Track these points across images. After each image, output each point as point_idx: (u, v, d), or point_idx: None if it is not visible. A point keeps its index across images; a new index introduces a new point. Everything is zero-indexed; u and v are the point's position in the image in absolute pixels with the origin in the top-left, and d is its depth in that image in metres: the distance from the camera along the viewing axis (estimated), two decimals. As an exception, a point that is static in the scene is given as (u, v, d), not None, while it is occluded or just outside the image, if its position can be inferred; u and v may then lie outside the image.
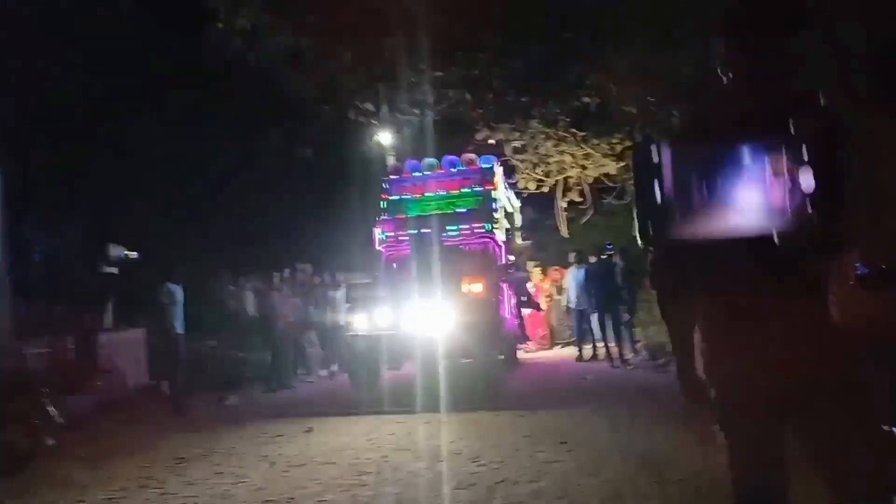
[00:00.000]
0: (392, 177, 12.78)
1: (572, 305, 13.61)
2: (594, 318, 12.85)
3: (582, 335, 13.48)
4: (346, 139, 15.72)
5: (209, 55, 12.84)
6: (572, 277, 13.56)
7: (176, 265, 10.72)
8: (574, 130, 15.00)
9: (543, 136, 14.71)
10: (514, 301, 12.57)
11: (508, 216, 13.34)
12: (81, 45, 13.68)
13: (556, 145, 15.02)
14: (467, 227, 11.67)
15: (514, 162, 15.34)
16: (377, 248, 12.07)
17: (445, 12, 12.43)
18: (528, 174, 15.90)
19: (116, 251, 12.72)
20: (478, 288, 10.35)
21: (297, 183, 18.52)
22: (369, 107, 13.97)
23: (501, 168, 13.01)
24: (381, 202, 12.52)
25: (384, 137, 15.70)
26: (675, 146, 2.38)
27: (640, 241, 2.46)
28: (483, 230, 11.77)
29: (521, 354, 14.60)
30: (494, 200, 12.16)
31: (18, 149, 10.82)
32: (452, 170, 12.47)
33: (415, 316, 9.63)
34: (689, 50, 12.27)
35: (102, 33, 14.49)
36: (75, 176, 15.08)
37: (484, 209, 11.97)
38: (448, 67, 13.15)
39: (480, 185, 12.10)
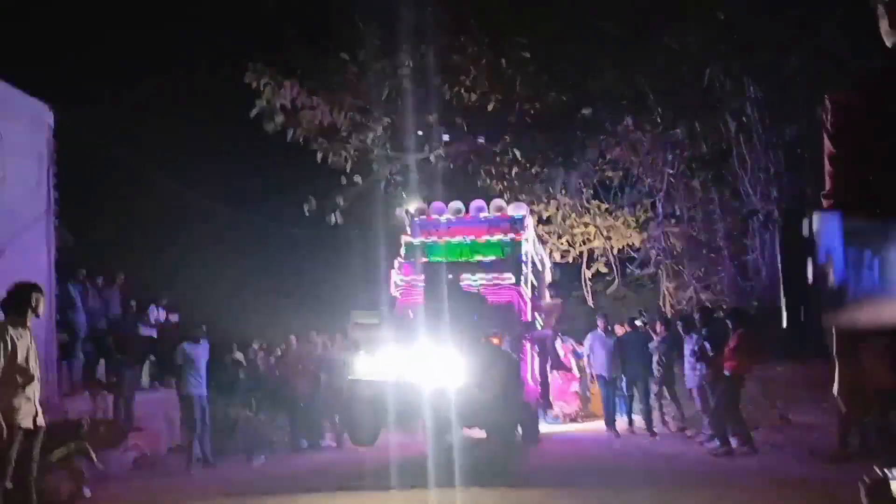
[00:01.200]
0: (416, 219, 11.84)
1: (600, 372, 12.46)
2: (623, 388, 12.29)
3: (613, 406, 12.41)
4: (374, 206, 15.55)
5: (250, 126, 14.09)
6: (600, 344, 12.50)
7: (195, 327, 10.62)
8: (597, 202, 15.54)
9: (567, 206, 15.05)
10: (537, 362, 11.39)
11: (537, 272, 12.31)
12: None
13: (580, 216, 15.20)
14: (491, 277, 10.57)
15: (539, 232, 14.89)
16: (392, 292, 11.02)
17: (470, 90, 14.22)
18: (553, 244, 15.68)
19: (156, 314, 13.15)
20: (496, 343, 9.30)
21: (326, 246, 18.55)
22: (398, 178, 14.85)
23: (533, 219, 12.24)
24: (402, 245, 11.55)
25: (411, 205, 14.40)
26: (845, 217, 2.07)
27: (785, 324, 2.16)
28: (508, 282, 10.64)
29: (547, 427, 13.06)
30: (523, 252, 11.15)
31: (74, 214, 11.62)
32: (480, 216, 11.56)
33: (425, 368, 8.58)
34: (708, 122, 13.47)
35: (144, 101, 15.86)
36: (119, 238, 15.94)
37: (511, 260, 10.90)
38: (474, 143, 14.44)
39: (509, 234, 11.13)
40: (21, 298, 5.78)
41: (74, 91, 12.55)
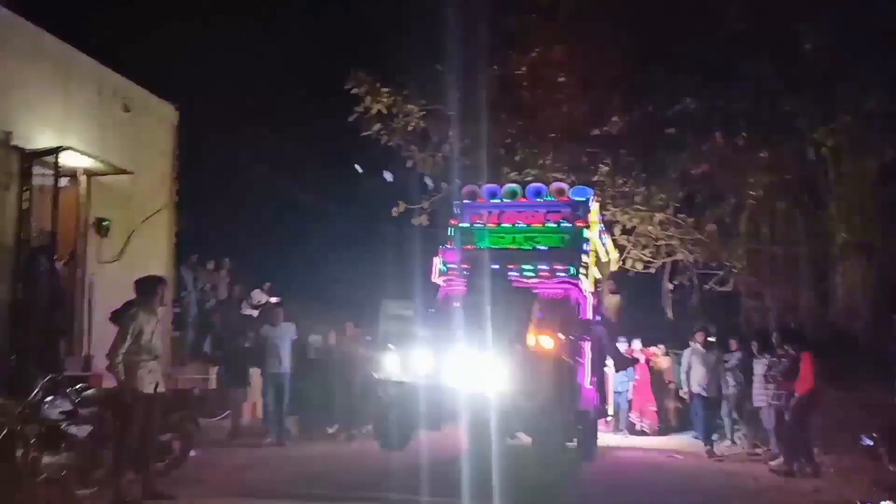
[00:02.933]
0: (465, 201, 10.06)
1: (698, 391, 11.34)
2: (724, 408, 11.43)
3: (711, 426, 11.32)
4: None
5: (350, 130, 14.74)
6: (698, 359, 11.39)
7: (274, 311, 11.11)
8: (683, 216, 14.78)
9: (652, 217, 14.62)
10: (595, 362, 9.53)
11: (600, 264, 10.68)
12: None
13: (664, 228, 14.68)
14: (547, 268, 9.06)
15: (623, 242, 14.34)
16: (434, 279, 9.54)
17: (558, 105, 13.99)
18: (635, 254, 14.91)
19: (259, 296, 13.91)
20: (549, 343, 7.78)
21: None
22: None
23: (598, 204, 10.35)
24: (449, 229, 9.84)
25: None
26: None
27: None
28: (566, 274, 9.10)
29: (615, 439, 12.20)
30: (585, 241, 9.55)
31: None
32: (538, 199, 9.80)
33: (465, 368, 7.34)
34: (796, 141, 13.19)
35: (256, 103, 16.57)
36: (229, 227, 16.96)
37: (570, 249, 9.32)
38: (559, 154, 14.11)
39: (570, 220, 9.45)
40: (150, 290, 6.81)
41: (195, 92, 13.13)
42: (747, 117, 13.15)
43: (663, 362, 13.58)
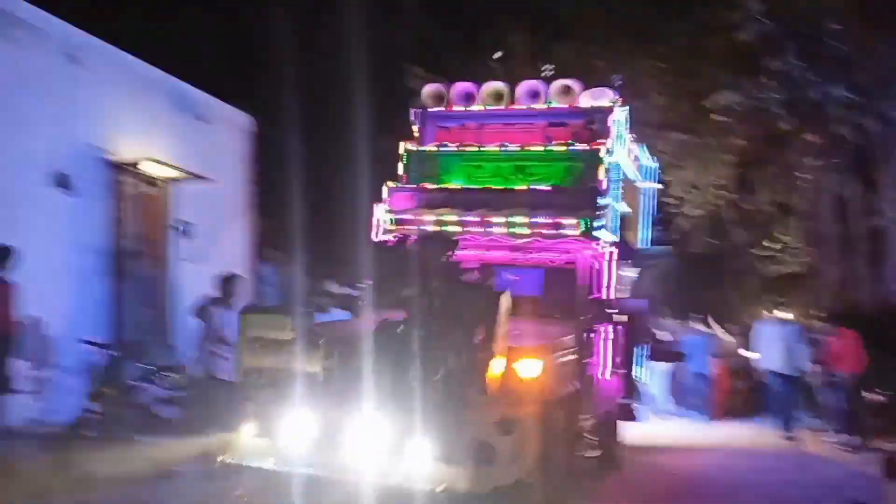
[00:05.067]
0: (428, 108, 6.05)
1: (771, 367, 9.13)
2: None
3: (789, 407, 9.20)
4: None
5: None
6: (772, 334, 9.21)
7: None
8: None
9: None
10: (619, 346, 5.97)
11: (634, 208, 6.75)
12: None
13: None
14: (548, 217, 5.10)
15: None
16: (373, 237, 5.68)
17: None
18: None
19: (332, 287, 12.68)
20: (533, 370, 4.18)
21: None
22: None
23: (626, 112, 5.98)
24: (401, 153, 5.95)
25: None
26: None
27: None
28: (576, 227, 5.08)
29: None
30: (606, 172, 5.44)
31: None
32: (535, 106, 5.83)
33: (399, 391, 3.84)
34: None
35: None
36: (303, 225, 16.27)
37: (582, 189, 5.32)
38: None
39: (582, 139, 5.53)
40: (226, 286, 7.17)
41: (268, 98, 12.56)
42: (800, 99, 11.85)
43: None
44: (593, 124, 5.58)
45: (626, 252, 5.93)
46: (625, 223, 6.11)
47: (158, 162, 9.06)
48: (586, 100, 5.80)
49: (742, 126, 12.32)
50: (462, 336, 3.87)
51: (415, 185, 5.68)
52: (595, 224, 5.15)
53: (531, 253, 5.16)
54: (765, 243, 13.61)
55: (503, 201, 5.22)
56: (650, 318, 6.17)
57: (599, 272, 5.43)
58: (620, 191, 5.92)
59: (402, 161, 5.93)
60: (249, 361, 4.14)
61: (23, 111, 7.70)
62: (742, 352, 10.70)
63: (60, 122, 8.08)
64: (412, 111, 6.07)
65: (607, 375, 5.63)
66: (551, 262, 5.18)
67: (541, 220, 5.07)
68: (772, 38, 11.70)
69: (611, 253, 5.54)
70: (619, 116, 5.83)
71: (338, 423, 3.79)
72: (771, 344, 9.07)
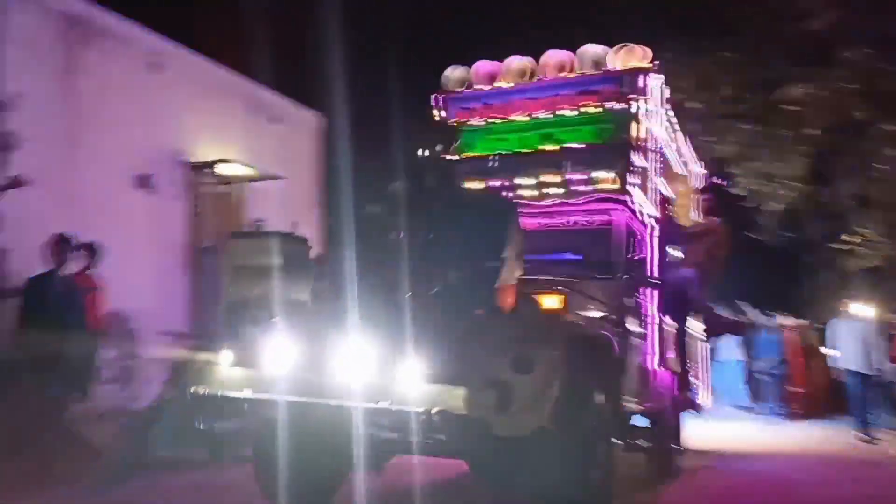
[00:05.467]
0: (450, 91, 5.77)
1: (847, 366, 8.70)
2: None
3: (867, 407, 8.76)
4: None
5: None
6: (847, 331, 8.82)
7: None
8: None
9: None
10: (671, 330, 5.58)
11: (670, 173, 6.31)
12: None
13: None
14: (579, 178, 4.84)
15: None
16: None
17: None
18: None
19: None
20: (554, 303, 3.95)
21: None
22: None
23: (660, 80, 5.60)
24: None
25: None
26: None
27: None
28: (608, 187, 4.81)
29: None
30: (637, 131, 5.14)
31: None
32: (562, 74, 5.51)
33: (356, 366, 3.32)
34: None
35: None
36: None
37: (614, 148, 5.00)
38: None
39: (612, 100, 5.25)
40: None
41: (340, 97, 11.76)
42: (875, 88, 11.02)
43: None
44: (625, 87, 5.24)
45: (670, 232, 5.57)
46: (666, 206, 5.77)
47: (233, 162, 9.44)
48: (617, 61, 5.47)
49: (816, 116, 11.62)
50: (464, 247, 3.42)
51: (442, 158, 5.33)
52: (630, 184, 4.79)
53: (562, 217, 4.96)
54: (843, 237, 12.78)
55: (528, 164, 4.95)
56: (699, 290, 5.78)
57: (640, 240, 5.04)
58: (658, 164, 5.56)
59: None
60: (235, 293, 3.81)
61: (108, 116, 8.02)
62: (823, 350, 10.13)
63: (142, 127, 8.39)
64: (433, 97, 5.77)
65: (656, 364, 5.18)
66: (584, 224, 4.80)
67: (573, 178, 4.80)
68: (845, 26, 11.07)
69: (651, 225, 5.19)
70: (655, 83, 5.43)
71: (323, 347, 3.31)
72: (848, 341, 8.63)
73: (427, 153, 3.59)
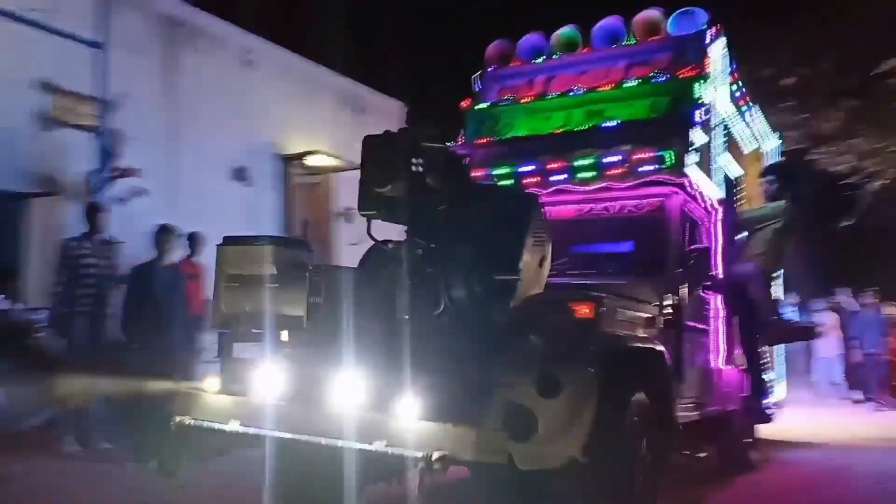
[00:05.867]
0: (490, 68, 5.11)
1: None
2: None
3: None
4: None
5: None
6: None
7: None
8: None
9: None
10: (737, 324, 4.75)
11: (739, 152, 5.29)
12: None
13: None
14: (621, 159, 4.08)
15: None
16: None
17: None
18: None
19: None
20: (584, 308, 2.86)
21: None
22: None
23: (724, 41, 4.69)
24: (467, 117, 4.93)
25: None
26: None
27: None
28: (659, 165, 4.02)
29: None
30: (697, 104, 4.27)
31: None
32: (613, 46, 4.74)
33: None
34: None
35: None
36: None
37: (673, 121, 4.18)
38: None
39: (670, 69, 4.43)
40: None
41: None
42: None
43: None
44: (683, 56, 4.42)
45: (735, 219, 4.75)
46: (735, 189, 4.98)
47: (321, 154, 9.47)
48: (674, 27, 4.65)
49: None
50: (474, 255, 2.79)
51: (470, 143, 4.77)
52: (685, 158, 3.98)
53: (609, 204, 4.27)
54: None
55: (567, 146, 4.22)
56: (763, 287, 4.83)
57: (702, 228, 4.28)
58: (723, 141, 4.76)
59: (466, 125, 4.97)
60: (229, 306, 3.18)
61: (206, 112, 8.14)
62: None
63: (238, 121, 8.38)
64: (473, 78, 5.15)
65: (721, 363, 4.45)
66: (631, 211, 4.11)
67: (614, 159, 4.11)
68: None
69: (715, 210, 4.41)
70: (717, 49, 4.55)
71: (318, 375, 2.81)
72: None
73: (425, 140, 2.94)
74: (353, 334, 2.78)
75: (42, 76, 6.32)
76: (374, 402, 2.57)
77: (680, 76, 4.22)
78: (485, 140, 4.54)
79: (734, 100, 4.88)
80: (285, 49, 9.46)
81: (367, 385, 2.63)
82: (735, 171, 4.98)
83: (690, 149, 3.95)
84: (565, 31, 4.82)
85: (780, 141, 6.25)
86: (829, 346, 9.37)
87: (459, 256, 2.77)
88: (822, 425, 7.25)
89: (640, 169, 3.96)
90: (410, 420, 2.46)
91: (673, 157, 3.88)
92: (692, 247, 3.85)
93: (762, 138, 5.81)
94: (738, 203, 5.01)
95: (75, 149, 6.63)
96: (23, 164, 6.28)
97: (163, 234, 5.66)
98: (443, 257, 2.80)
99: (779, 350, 5.84)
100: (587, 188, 4.03)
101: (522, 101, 4.63)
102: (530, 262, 2.80)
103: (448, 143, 3.25)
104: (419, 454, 2.38)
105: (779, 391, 5.78)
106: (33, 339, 5.51)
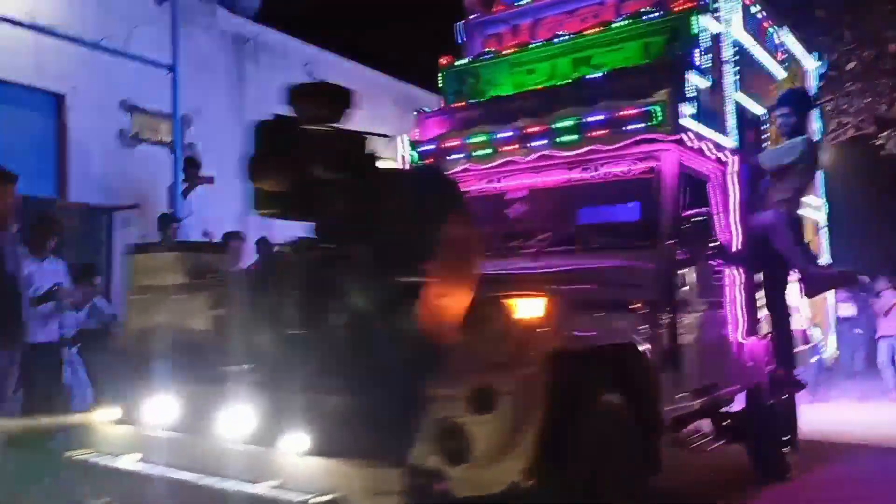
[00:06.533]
0: (472, 17, 4.58)
1: None
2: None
3: None
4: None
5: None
6: None
7: None
8: None
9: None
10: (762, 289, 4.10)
11: (757, 86, 4.41)
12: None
13: None
14: (604, 115, 3.45)
15: None
16: None
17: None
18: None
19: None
20: (575, 283, 2.67)
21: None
22: None
23: None
24: (440, 74, 4.52)
25: None
26: None
27: None
28: (646, 121, 3.33)
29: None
30: (696, 41, 3.57)
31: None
32: None
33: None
34: None
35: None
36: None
37: (664, 66, 3.56)
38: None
39: (664, 4, 3.72)
40: None
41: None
42: None
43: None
44: None
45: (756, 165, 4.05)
46: (759, 129, 4.23)
47: (384, 158, 9.60)
48: None
49: None
50: (377, 255, 2.39)
51: (448, 107, 4.31)
52: (679, 110, 3.37)
53: (594, 170, 3.71)
54: None
55: (548, 104, 3.67)
56: (789, 234, 4.15)
57: (712, 186, 3.74)
58: (736, 77, 3.96)
59: (440, 84, 4.47)
60: (139, 320, 2.84)
61: None
62: None
63: None
64: (456, 27, 4.58)
65: (741, 336, 3.87)
66: (619, 176, 3.50)
67: (596, 118, 3.56)
68: None
69: (729, 161, 3.81)
70: None
71: (215, 401, 2.50)
72: None
73: (310, 121, 2.59)
74: (249, 353, 2.55)
75: (124, 98, 6.88)
76: (263, 434, 2.33)
77: (675, 9, 3.45)
78: (462, 103, 4.00)
79: (753, 25, 4.08)
80: (343, 56, 9.66)
81: (256, 413, 2.40)
82: (758, 108, 4.21)
83: (686, 97, 3.31)
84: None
85: (819, 63, 5.25)
86: (891, 325, 8.24)
87: (361, 257, 2.41)
88: (881, 422, 6.16)
89: (626, 128, 3.39)
90: (298, 455, 2.23)
91: (661, 112, 3.34)
92: (689, 212, 3.26)
93: (795, 63, 4.90)
94: (764, 144, 4.24)
95: (154, 163, 7.12)
96: (107, 179, 6.87)
97: (232, 240, 5.76)
98: (341, 260, 2.45)
99: (829, 301, 5.12)
100: (571, 153, 3.49)
101: (504, 53, 4.02)
102: (449, 259, 2.37)
103: (341, 123, 2.72)
104: (313, 498, 2.08)
105: (829, 348, 5.07)
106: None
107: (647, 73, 3.51)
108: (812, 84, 5.39)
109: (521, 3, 4.31)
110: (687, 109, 3.32)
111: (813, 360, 4.81)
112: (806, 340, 4.73)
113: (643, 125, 3.35)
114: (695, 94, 3.37)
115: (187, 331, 2.69)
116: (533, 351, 2.27)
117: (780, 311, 4.00)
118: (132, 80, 6.87)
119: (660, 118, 3.32)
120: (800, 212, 4.32)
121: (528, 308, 2.30)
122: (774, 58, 4.65)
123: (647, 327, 2.96)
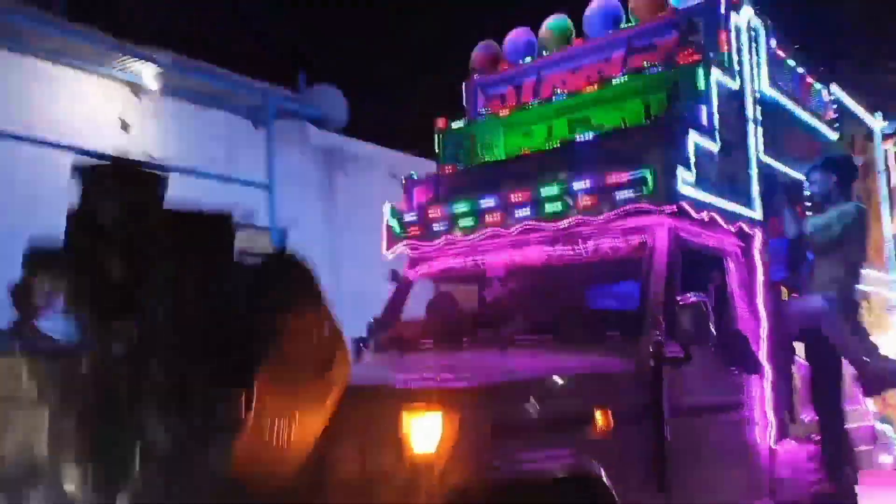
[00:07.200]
0: (476, 76, 4.18)
1: None
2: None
3: None
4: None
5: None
6: None
7: None
8: None
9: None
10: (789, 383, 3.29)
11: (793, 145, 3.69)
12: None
13: None
14: (590, 182, 2.94)
15: None
16: (386, 252, 3.96)
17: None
18: None
19: None
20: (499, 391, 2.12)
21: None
22: None
23: (749, 10, 3.24)
24: (437, 138, 4.13)
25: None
26: None
27: None
28: (636, 188, 2.80)
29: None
30: (701, 96, 2.95)
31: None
32: (609, 31, 3.59)
33: None
34: None
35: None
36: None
37: (659, 126, 2.98)
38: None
39: (671, 57, 3.10)
40: None
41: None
42: None
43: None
44: (694, 34, 3.21)
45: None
46: (797, 197, 3.54)
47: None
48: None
49: None
50: (170, 365, 1.73)
51: (435, 175, 3.96)
52: (677, 177, 2.83)
53: (582, 245, 3.17)
54: None
55: (536, 170, 3.26)
56: (841, 322, 3.34)
57: (728, 265, 3.17)
58: (765, 140, 3.38)
59: (437, 147, 4.12)
60: None
61: (360, 224, 8.61)
62: None
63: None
64: (464, 86, 4.27)
65: (773, 441, 3.17)
66: (607, 253, 2.95)
67: (582, 185, 3.05)
68: None
69: (750, 235, 3.23)
70: (740, 20, 3.29)
71: None
72: None
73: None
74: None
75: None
76: None
77: (678, 62, 2.98)
78: (450, 169, 3.76)
79: (790, 81, 3.45)
80: (425, 159, 10.24)
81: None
82: (797, 174, 3.52)
83: (687, 161, 2.77)
84: (554, 20, 3.84)
85: (886, 123, 4.44)
86: None
87: (151, 367, 1.70)
88: None
89: (615, 196, 2.89)
90: None
91: (652, 178, 2.82)
92: (682, 298, 2.73)
93: (853, 122, 4.28)
94: (802, 213, 3.54)
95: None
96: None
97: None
98: (130, 370, 1.73)
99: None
100: (556, 225, 3.00)
101: (499, 114, 3.67)
102: (287, 367, 1.77)
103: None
104: None
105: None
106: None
107: (642, 134, 3.03)
108: (876, 146, 4.53)
109: (525, 61, 3.94)
110: (686, 175, 2.74)
111: (884, 460, 3.85)
112: (874, 439, 3.76)
113: (633, 194, 2.83)
114: (697, 157, 2.78)
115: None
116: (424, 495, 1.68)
117: (829, 412, 3.32)
118: (234, 200, 7.65)
119: (650, 186, 2.79)
120: (859, 287, 3.48)
121: (422, 429, 1.78)
122: (821, 117, 3.91)
123: (617, 447, 2.37)
